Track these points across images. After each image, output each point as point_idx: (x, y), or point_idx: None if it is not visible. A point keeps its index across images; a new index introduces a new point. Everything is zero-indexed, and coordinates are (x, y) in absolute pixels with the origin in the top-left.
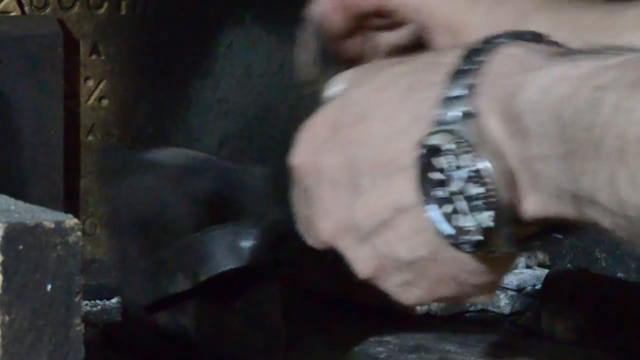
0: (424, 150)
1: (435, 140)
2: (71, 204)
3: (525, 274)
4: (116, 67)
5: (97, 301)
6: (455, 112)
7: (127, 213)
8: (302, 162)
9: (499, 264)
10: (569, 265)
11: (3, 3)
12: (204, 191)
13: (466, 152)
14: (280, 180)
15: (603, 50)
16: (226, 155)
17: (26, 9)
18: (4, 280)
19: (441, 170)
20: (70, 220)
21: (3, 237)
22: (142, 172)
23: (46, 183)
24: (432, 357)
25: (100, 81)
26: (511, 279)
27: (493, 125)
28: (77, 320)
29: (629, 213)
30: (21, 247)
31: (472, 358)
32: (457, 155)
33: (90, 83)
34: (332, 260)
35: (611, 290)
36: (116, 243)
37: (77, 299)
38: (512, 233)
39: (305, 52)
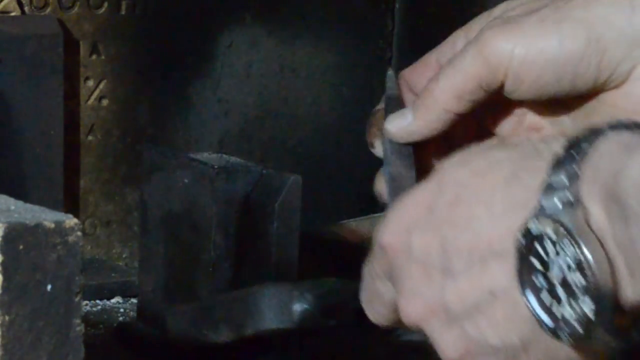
0: (524, 237)
1: (536, 227)
2: (71, 204)
3: None
4: (116, 67)
5: (97, 301)
6: (557, 200)
7: (160, 211)
8: (392, 240)
9: (593, 354)
10: None
11: (3, 3)
12: (237, 194)
13: (568, 240)
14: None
15: None
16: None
17: (26, 9)
18: (4, 280)
19: (541, 258)
20: (70, 220)
21: (3, 237)
22: (177, 171)
23: (46, 183)
24: (432, 357)
25: (100, 81)
26: None
27: (595, 211)
28: (77, 320)
29: None
30: (21, 247)
31: None
32: (558, 243)
33: (90, 83)
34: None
35: None
36: (145, 240)
37: (77, 299)
38: (613, 324)
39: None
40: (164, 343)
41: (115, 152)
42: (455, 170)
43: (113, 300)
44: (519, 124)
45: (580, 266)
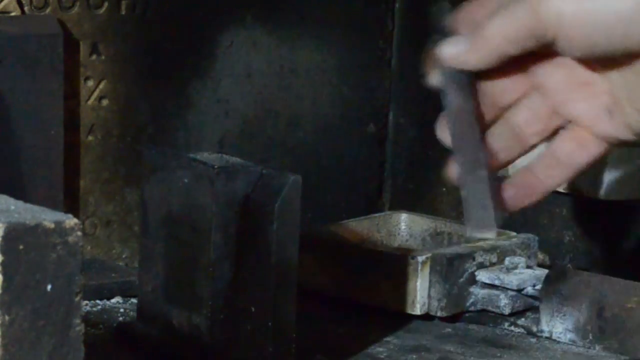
0: None
1: None
2: (71, 204)
3: (525, 274)
4: (116, 67)
5: (97, 301)
6: None
7: (160, 211)
8: None
9: None
10: (569, 265)
11: (3, 3)
12: (237, 194)
13: None
14: None
15: None
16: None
17: (26, 9)
18: (4, 280)
19: None
20: (70, 220)
21: (3, 237)
22: (178, 171)
23: (46, 183)
24: (432, 357)
25: (100, 81)
26: (511, 279)
27: None
28: (77, 320)
29: None
30: (21, 247)
31: (472, 358)
32: None
33: (90, 83)
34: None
35: (611, 290)
36: (145, 240)
37: (77, 299)
38: None
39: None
40: (164, 343)
41: (115, 152)
42: None
43: (113, 300)
44: (569, 77)
45: None
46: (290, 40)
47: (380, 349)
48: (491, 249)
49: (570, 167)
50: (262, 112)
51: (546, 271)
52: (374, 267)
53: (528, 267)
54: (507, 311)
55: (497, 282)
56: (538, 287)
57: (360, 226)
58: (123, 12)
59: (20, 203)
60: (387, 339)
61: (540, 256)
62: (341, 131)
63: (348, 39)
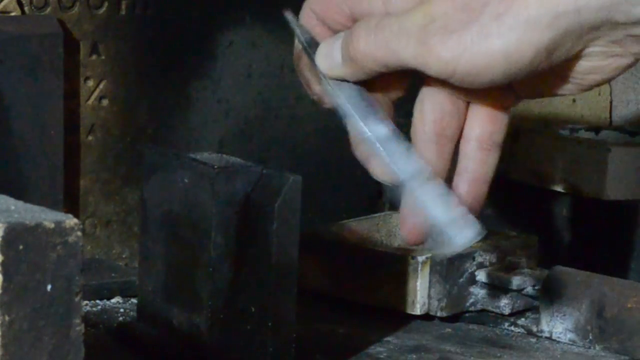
0: None
1: None
2: (71, 204)
3: (525, 274)
4: (116, 67)
5: (97, 301)
6: None
7: (160, 211)
8: None
9: None
10: (569, 265)
11: (3, 3)
12: (237, 194)
13: None
14: None
15: None
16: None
17: (26, 9)
18: (4, 280)
19: None
20: (70, 220)
21: (3, 237)
22: (178, 171)
23: (46, 183)
24: (432, 357)
25: (100, 81)
26: (511, 279)
27: None
28: (77, 320)
29: None
30: (21, 247)
31: (472, 358)
32: None
33: (90, 83)
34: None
35: (611, 290)
36: (145, 240)
37: (77, 299)
38: None
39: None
40: (164, 343)
41: (115, 152)
42: None
43: (113, 300)
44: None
45: None
46: (290, 40)
47: (380, 349)
48: (491, 249)
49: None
50: (262, 112)
51: (546, 271)
52: (374, 267)
53: (528, 267)
54: (507, 311)
55: (497, 282)
56: (538, 287)
57: (360, 226)
58: (123, 12)
59: (20, 203)
60: (387, 339)
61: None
62: (341, 131)
63: None
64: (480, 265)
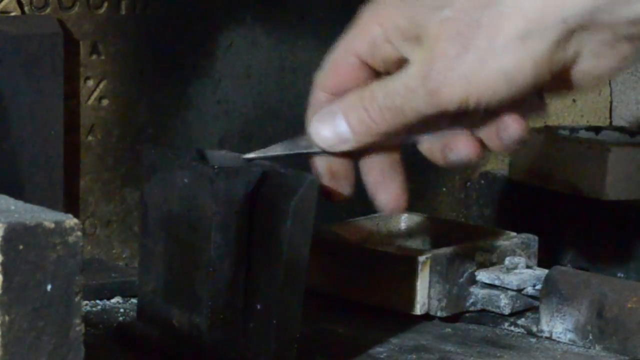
0: None
1: None
2: (71, 204)
3: (525, 274)
4: (116, 67)
5: (97, 301)
6: None
7: (160, 211)
8: None
9: None
10: (569, 265)
11: (3, 3)
12: (237, 194)
13: None
14: None
15: None
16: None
17: (26, 9)
18: (4, 280)
19: None
20: (70, 220)
21: (3, 237)
22: (177, 171)
23: (46, 183)
24: (432, 357)
25: (100, 81)
26: (511, 279)
27: None
28: (77, 320)
29: None
30: (21, 247)
31: (472, 358)
32: None
33: (90, 83)
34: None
35: (611, 290)
36: (145, 240)
37: (77, 299)
38: None
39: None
40: (164, 343)
41: (115, 152)
42: None
43: (113, 300)
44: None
45: None
46: (290, 40)
47: (380, 349)
48: (491, 249)
49: None
50: (262, 112)
51: (546, 271)
52: (374, 267)
53: (528, 267)
54: (507, 311)
55: (497, 282)
56: (538, 287)
57: (360, 226)
58: (123, 12)
59: (20, 203)
60: (387, 339)
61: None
62: None
63: None
64: (480, 265)
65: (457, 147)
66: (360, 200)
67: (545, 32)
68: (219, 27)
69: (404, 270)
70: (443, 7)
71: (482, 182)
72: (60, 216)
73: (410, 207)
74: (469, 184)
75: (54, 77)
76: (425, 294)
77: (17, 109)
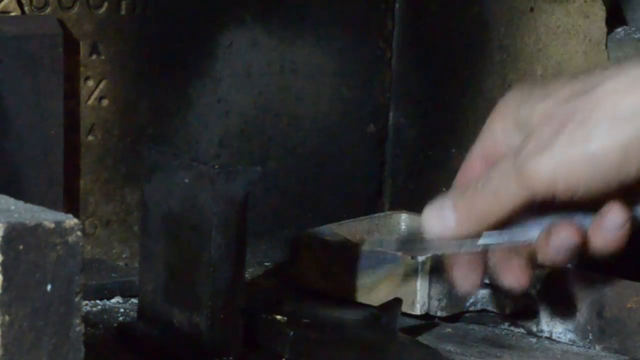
0: None
1: None
2: (71, 204)
3: None
4: (116, 67)
5: (97, 301)
6: None
7: (160, 211)
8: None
9: None
10: (569, 265)
11: (3, 3)
12: (237, 194)
13: None
14: None
15: None
16: (226, 155)
17: (26, 9)
18: (4, 280)
19: None
20: (70, 220)
21: (3, 237)
22: (178, 171)
23: (46, 183)
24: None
25: (100, 81)
26: None
27: None
28: (77, 320)
29: None
30: (21, 247)
31: (472, 358)
32: None
33: (90, 83)
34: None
35: (611, 290)
36: (145, 240)
37: (77, 299)
38: None
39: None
40: (164, 343)
41: (115, 152)
42: None
43: (113, 300)
44: None
45: None
46: (290, 40)
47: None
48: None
49: None
50: (262, 112)
51: (546, 271)
52: (374, 267)
53: None
54: (507, 311)
55: (497, 282)
56: (538, 287)
57: (360, 226)
58: (123, 12)
59: (20, 203)
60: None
61: None
62: (341, 131)
63: (348, 39)
64: None
65: (558, 231)
66: (360, 200)
67: (634, 118)
68: (219, 27)
69: (404, 270)
70: (548, 96)
71: None
72: (60, 216)
73: (411, 207)
74: None
75: (54, 77)
76: (425, 294)
77: (17, 109)
